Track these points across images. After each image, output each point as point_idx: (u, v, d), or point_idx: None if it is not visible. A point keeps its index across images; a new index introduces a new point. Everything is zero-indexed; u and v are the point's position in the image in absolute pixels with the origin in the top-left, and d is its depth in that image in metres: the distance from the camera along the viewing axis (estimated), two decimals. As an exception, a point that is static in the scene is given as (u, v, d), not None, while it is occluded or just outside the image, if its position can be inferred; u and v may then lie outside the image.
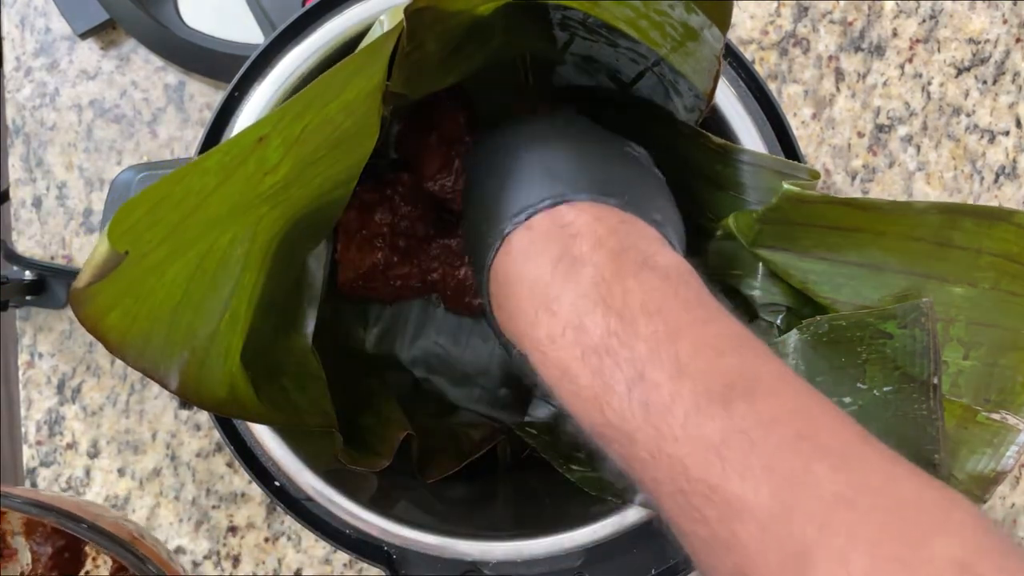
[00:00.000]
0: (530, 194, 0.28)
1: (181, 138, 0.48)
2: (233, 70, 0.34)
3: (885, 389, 0.32)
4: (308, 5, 0.34)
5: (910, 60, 0.49)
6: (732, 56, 0.35)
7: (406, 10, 0.26)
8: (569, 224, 0.27)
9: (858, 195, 0.49)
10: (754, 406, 0.22)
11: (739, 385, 0.22)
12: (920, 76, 0.49)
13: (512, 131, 0.33)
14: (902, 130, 0.49)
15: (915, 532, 0.19)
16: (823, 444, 0.21)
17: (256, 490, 0.48)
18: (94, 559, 0.39)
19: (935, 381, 0.32)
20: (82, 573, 0.38)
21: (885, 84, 0.49)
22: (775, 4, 0.48)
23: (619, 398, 0.23)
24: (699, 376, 0.22)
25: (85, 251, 0.48)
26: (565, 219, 0.27)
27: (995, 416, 0.33)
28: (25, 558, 0.37)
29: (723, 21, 0.28)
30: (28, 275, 0.47)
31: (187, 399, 0.29)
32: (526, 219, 0.28)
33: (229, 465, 0.48)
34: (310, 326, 0.37)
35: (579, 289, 0.25)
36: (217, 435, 0.41)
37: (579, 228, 0.27)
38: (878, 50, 0.49)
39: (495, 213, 0.29)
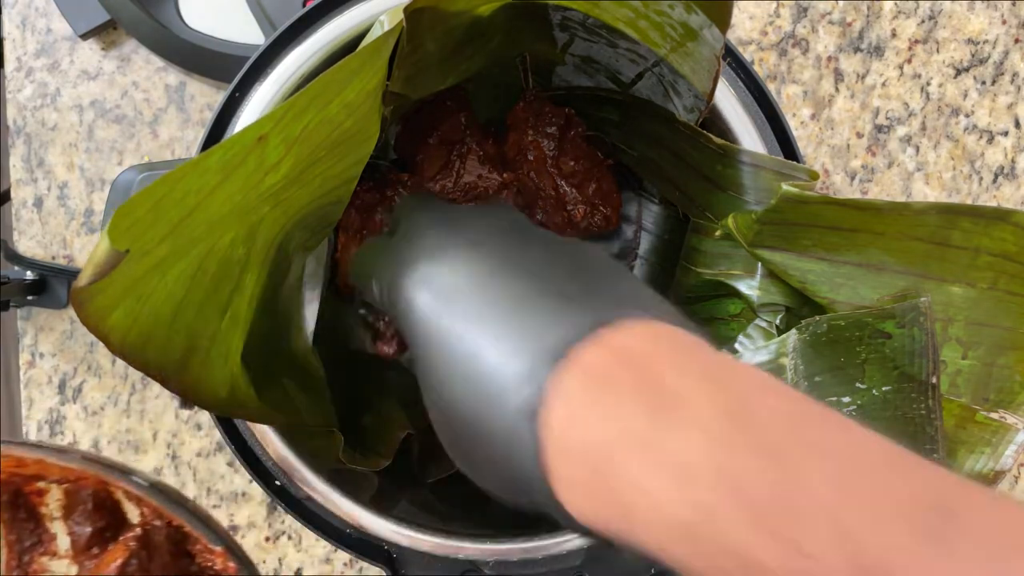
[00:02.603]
0: (547, 326, 0.21)
1: (182, 138, 0.48)
2: (234, 70, 0.34)
3: (884, 389, 0.32)
4: (309, 6, 0.34)
5: (909, 61, 0.49)
6: (731, 57, 0.35)
7: (406, 10, 0.26)
8: (635, 353, 0.20)
9: (857, 195, 0.49)
10: (971, 533, 0.17)
11: (942, 507, 0.17)
12: (919, 76, 0.49)
13: (454, 256, 0.25)
14: (901, 130, 0.49)
15: None
16: None
17: (257, 489, 0.48)
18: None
19: (934, 380, 0.32)
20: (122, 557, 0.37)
21: (884, 84, 0.49)
22: (774, 5, 0.49)
23: (827, 569, 0.17)
24: (899, 511, 0.17)
25: (86, 251, 0.48)
26: (618, 346, 0.20)
27: (994, 415, 0.33)
28: (64, 543, 0.36)
29: (723, 21, 0.28)
30: (29, 275, 0.47)
31: (188, 399, 0.29)
32: (570, 349, 0.20)
33: (230, 465, 0.48)
34: (311, 326, 0.37)
35: (706, 429, 0.18)
36: (218, 435, 0.41)
37: (649, 356, 0.20)
38: (877, 51, 0.49)
39: (504, 334, 0.22)
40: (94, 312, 0.23)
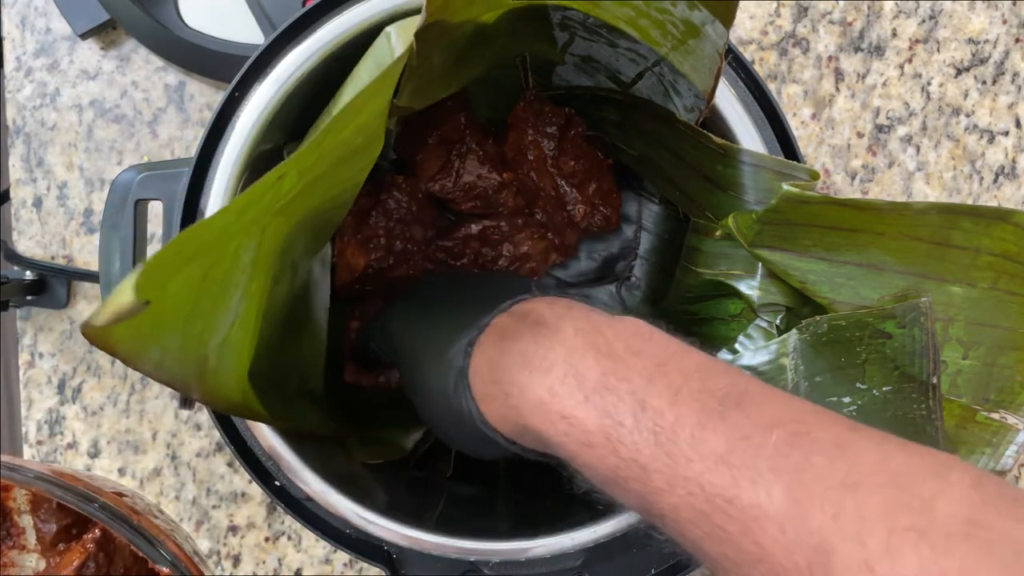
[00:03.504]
0: (478, 311, 0.30)
1: (181, 138, 0.48)
2: (233, 70, 0.34)
3: (884, 389, 0.32)
4: (308, 5, 0.34)
5: (910, 60, 0.49)
6: (732, 56, 0.35)
7: (416, 32, 0.26)
8: (530, 311, 0.29)
9: (857, 195, 0.49)
10: (749, 414, 0.23)
11: (731, 398, 0.23)
12: (920, 76, 0.49)
13: (426, 287, 0.38)
14: (901, 130, 0.49)
15: (918, 501, 0.20)
16: (817, 438, 0.22)
17: (256, 490, 0.48)
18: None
19: (934, 381, 0.32)
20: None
21: (884, 84, 0.49)
22: (775, 4, 0.49)
23: (628, 432, 0.24)
24: (694, 397, 0.24)
25: (85, 251, 0.48)
26: (524, 309, 0.29)
27: (994, 416, 0.33)
28: (32, 538, 0.36)
29: (727, 16, 0.28)
30: (29, 275, 0.47)
31: (208, 404, 0.29)
32: (488, 322, 0.29)
33: (229, 465, 0.48)
34: (323, 329, 0.37)
35: (566, 344, 0.26)
36: (217, 435, 0.41)
37: (540, 311, 0.28)
38: (878, 50, 0.49)
39: (448, 337, 0.31)
40: (101, 330, 0.23)
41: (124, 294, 0.21)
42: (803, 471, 0.21)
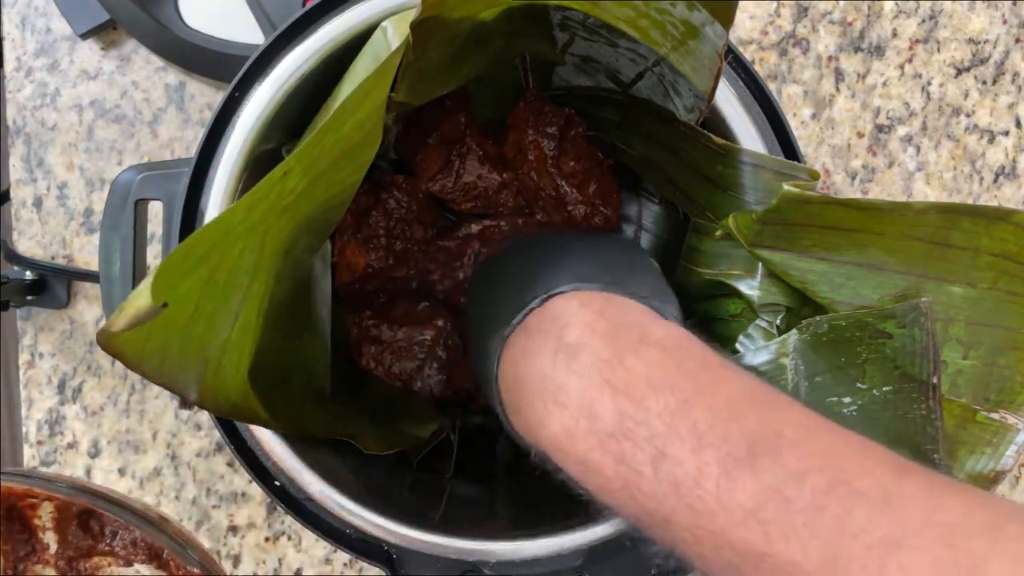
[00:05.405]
0: (521, 298, 0.29)
1: (182, 138, 0.48)
2: (234, 70, 0.34)
3: (885, 389, 0.32)
4: (309, 5, 0.34)
5: (910, 60, 0.49)
6: (732, 56, 0.35)
7: (412, 24, 0.26)
8: (558, 316, 0.27)
9: (858, 195, 0.49)
10: (782, 461, 0.21)
11: (762, 443, 0.22)
12: (920, 76, 0.49)
13: (503, 249, 0.37)
14: (902, 130, 0.49)
15: (968, 560, 0.18)
16: (858, 488, 0.20)
17: (256, 490, 0.48)
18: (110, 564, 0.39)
19: (934, 381, 0.32)
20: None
21: (885, 84, 0.49)
22: (775, 4, 0.49)
23: (648, 481, 0.22)
24: (720, 443, 0.22)
25: (85, 251, 0.48)
26: (554, 312, 0.27)
27: (994, 416, 0.33)
28: (53, 555, 0.37)
29: (727, 18, 0.28)
30: (29, 275, 0.47)
31: (205, 408, 0.29)
32: (520, 320, 0.28)
33: (229, 465, 0.48)
34: (326, 325, 0.37)
35: (582, 375, 0.25)
36: (217, 435, 0.41)
37: (568, 317, 0.27)
38: (878, 50, 0.49)
39: (492, 324, 0.30)
40: (111, 334, 0.23)
41: (141, 297, 0.21)
42: (841, 526, 0.19)
